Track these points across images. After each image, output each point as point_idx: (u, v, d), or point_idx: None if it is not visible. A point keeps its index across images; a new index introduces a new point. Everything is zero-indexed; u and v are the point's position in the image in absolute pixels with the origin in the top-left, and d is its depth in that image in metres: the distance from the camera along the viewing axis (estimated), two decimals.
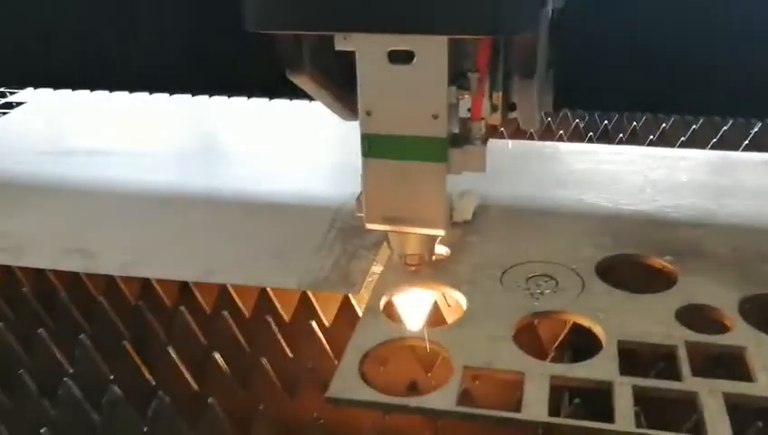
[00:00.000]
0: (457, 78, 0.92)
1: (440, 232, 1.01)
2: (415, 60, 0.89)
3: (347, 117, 1.03)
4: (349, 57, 0.92)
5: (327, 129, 1.74)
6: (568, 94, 1.10)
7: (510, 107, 0.99)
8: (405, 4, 0.83)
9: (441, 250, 1.13)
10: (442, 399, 0.85)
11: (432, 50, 0.88)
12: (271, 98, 1.68)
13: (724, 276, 1.06)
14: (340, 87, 1.00)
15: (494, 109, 0.96)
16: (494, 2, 0.82)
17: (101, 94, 1.74)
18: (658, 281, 1.08)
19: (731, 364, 0.92)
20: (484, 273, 1.08)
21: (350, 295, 1.08)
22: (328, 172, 1.51)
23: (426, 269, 1.08)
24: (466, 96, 0.93)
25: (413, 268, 1.06)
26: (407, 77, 0.90)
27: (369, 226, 1.02)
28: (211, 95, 1.72)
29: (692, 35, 1.24)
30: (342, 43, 0.91)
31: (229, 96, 1.77)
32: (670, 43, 1.25)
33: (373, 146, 0.96)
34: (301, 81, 0.96)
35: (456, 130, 0.97)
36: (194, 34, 1.48)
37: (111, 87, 1.68)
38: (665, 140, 1.72)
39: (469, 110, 0.95)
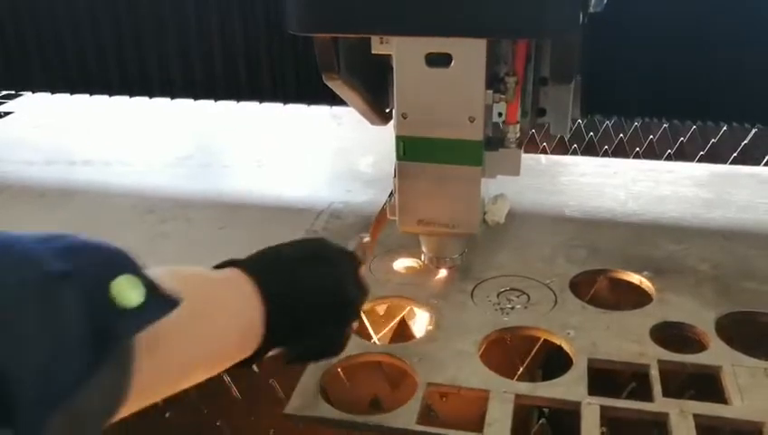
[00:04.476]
0: (492, 82, 0.90)
1: (472, 233, 1.00)
2: (453, 63, 0.87)
3: (377, 122, 1.03)
4: (381, 62, 0.91)
5: (310, 135, 1.74)
6: None
7: (538, 112, 0.98)
8: (445, 7, 0.81)
9: (412, 263, 1.11)
10: (402, 417, 0.82)
11: (470, 52, 0.86)
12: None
13: (702, 293, 1.04)
14: (372, 92, 0.99)
15: (524, 114, 0.95)
16: (539, 3, 0.80)
17: (94, 99, 1.72)
18: (635, 297, 1.06)
19: (706, 384, 0.89)
20: (454, 286, 1.05)
21: None
22: (307, 178, 1.49)
23: (396, 282, 1.06)
24: (501, 100, 0.91)
25: (445, 271, 1.06)
26: (444, 80, 0.89)
27: (403, 229, 1.00)
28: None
29: (685, 41, 1.21)
30: (379, 46, 0.89)
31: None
32: (661, 48, 1.23)
33: (408, 149, 0.94)
34: (335, 85, 0.95)
35: (491, 134, 0.96)
36: (194, 38, 1.47)
37: (110, 91, 1.66)
38: (652, 153, 1.69)
39: (500, 114, 0.93)
